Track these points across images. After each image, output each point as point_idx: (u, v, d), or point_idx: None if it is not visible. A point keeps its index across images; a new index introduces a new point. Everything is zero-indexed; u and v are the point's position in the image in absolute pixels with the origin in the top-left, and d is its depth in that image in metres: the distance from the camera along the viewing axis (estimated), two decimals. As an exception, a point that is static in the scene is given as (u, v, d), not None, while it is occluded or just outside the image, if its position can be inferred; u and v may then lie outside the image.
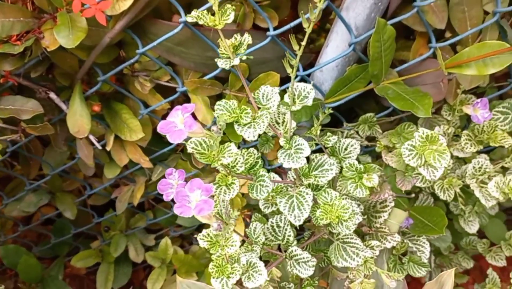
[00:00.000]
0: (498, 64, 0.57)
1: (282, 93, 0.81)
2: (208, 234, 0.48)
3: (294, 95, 0.49)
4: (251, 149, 0.54)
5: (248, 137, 0.48)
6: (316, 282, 0.68)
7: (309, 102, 0.50)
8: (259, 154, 0.54)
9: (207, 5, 0.61)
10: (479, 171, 0.75)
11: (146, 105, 0.85)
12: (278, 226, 0.64)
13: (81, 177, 1.09)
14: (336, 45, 0.75)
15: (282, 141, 0.50)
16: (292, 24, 0.68)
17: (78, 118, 0.76)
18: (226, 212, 0.48)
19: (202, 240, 0.48)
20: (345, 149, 0.68)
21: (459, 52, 0.61)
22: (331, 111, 0.72)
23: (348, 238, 0.64)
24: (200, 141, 0.44)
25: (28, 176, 1.06)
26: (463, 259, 1.19)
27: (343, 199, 0.53)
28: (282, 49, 0.75)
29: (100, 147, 0.82)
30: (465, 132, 0.75)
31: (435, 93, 0.73)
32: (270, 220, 0.64)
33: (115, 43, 0.75)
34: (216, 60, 0.53)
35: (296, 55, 0.45)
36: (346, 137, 0.80)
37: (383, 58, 0.67)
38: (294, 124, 0.51)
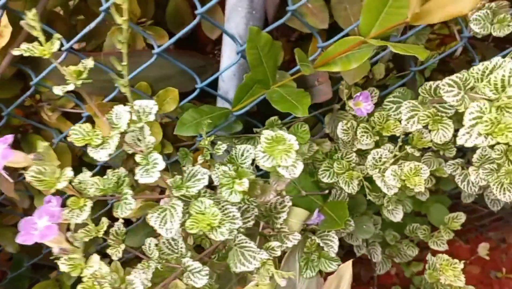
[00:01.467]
0: (359, 57, 0.59)
1: (189, 105, 0.84)
2: (70, 258, 0.49)
3: (138, 112, 0.51)
4: (119, 169, 0.55)
5: (100, 158, 0.49)
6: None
7: (151, 118, 0.51)
8: (126, 173, 0.55)
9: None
10: (380, 161, 0.77)
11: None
12: (174, 239, 0.66)
13: (20, 211, 1.10)
14: (228, 55, 0.77)
15: (138, 158, 0.51)
16: (172, 40, 0.70)
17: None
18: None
19: (63, 264, 0.49)
20: (242, 155, 0.70)
21: (326, 50, 0.63)
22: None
23: (243, 242, 0.66)
24: (40, 169, 0.45)
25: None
26: (408, 247, 1.20)
27: (214, 206, 0.55)
28: (186, 64, 0.77)
29: (11, 180, 0.82)
30: (362, 124, 0.77)
31: (326, 92, 0.75)
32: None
33: (14, 76, 0.77)
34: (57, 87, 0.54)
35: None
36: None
37: (265, 63, 0.69)
38: (152, 139, 0.53)
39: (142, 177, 0.51)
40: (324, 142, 0.80)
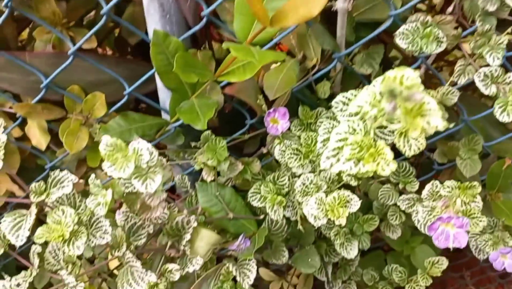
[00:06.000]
0: (252, 68, 0.53)
1: (123, 117, 0.80)
2: None
3: None
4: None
5: None
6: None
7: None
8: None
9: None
10: (309, 188, 0.69)
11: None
12: (59, 249, 0.62)
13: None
14: (155, 62, 0.73)
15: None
16: (82, 41, 0.67)
17: None
18: None
19: None
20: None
21: (225, 59, 0.57)
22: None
23: (131, 261, 0.61)
24: None
25: None
26: (385, 289, 1.08)
27: (73, 217, 0.50)
28: (123, 71, 0.75)
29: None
30: (293, 146, 0.70)
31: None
32: (51, 243, 0.62)
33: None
34: None
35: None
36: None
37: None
38: (3, 138, 0.50)
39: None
40: (253, 161, 0.73)
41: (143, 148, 0.46)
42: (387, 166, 0.41)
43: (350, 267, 1.08)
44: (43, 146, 0.79)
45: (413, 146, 0.49)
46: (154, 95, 0.81)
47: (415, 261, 1.08)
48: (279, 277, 1.20)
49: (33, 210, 0.51)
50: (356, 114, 0.39)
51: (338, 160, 0.42)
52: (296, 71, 0.65)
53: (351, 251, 0.84)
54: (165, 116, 0.83)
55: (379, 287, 1.08)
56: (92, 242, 0.53)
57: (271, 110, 0.63)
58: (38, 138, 0.78)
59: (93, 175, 0.54)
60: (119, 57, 0.85)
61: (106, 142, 0.46)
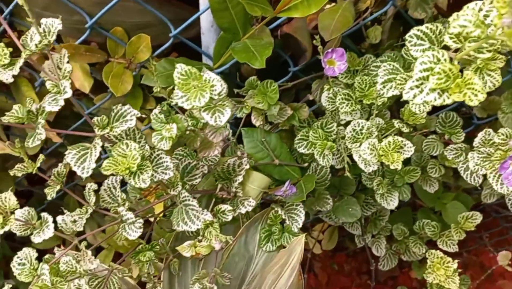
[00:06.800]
0: (319, 1, 0.51)
1: (167, 61, 0.79)
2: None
3: (44, 31, 0.47)
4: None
5: (7, 79, 0.46)
6: (157, 247, 0.64)
7: (54, 38, 0.47)
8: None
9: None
10: (361, 134, 0.68)
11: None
12: (114, 188, 0.62)
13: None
14: (204, 1, 0.71)
15: (48, 84, 0.48)
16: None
17: None
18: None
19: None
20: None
21: (288, -6, 0.55)
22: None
23: (187, 200, 0.61)
24: None
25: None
26: (415, 244, 1.09)
27: (138, 150, 0.50)
28: (165, 14, 0.73)
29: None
30: (344, 91, 0.69)
31: (305, 49, 0.67)
32: (106, 181, 0.62)
33: None
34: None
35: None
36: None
37: (231, 9, 0.62)
38: (69, 67, 0.49)
39: (50, 105, 0.47)
40: (302, 107, 0.72)
41: (214, 78, 0.45)
42: (474, 96, 0.40)
43: (380, 222, 1.08)
44: (86, 89, 0.78)
45: (488, 82, 0.48)
46: (193, 41, 0.80)
47: (447, 217, 1.08)
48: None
49: (98, 142, 0.50)
50: (458, 34, 0.37)
51: (422, 90, 0.41)
52: (352, 12, 0.64)
53: (391, 202, 0.84)
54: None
55: (409, 241, 1.09)
56: (155, 177, 0.53)
57: (329, 50, 0.62)
58: (82, 81, 0.77)
59: (156, 109, 0.53)
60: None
61: (180, 70, 0.45)
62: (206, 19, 0.73)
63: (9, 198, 0.49)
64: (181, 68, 0.45)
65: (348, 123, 0.75)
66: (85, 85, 0.78)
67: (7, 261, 1.36)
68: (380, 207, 0.97)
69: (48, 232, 0.51)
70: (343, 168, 0.74)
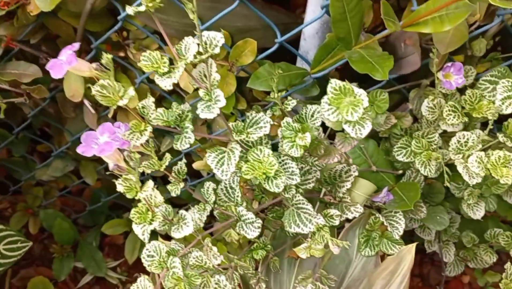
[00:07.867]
0: (454, 18, 0.53)
1: (267, 61, 0.81)
2: (126, 179, 0.50)
3: (206, 43, 0.50)
4: (183, 105, 0.55)
5: (165, 86, 0.49)
6: (269, 246, 0.67)
7: (217, 50, 0.50)
8: (189, 108, 0.55)
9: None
10: (465, 146, 0.69)
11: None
12: (232, 188, 0.65)
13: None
14: (313, 10, 0.73)
15: (201, 92, 0.51)
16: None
17: (72, 82, 0.82)
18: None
19: (120, 184, 0.50)
20: (312, 116, 0.66)
21: (417, 8, 0.57)
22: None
23: (301, 203, 0.63)
24: (104, 84, 0.46)
25: (60, 144, 1.15)
26: (486, 252, 1.09)
27: (272, 156, 0.53)
28: (269, 18, 0.75)
29: (93, 111, 0.87)
30: (450, 102, 0.70)
31: (414, 62, 0.68)
32: (224, 181, 0.65)
33: (105, 10, 0.80)
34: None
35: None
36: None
37: (349, 20, 0.64)
38: (218, 76, 0.51)
39: (203, 112, 0.50)
40: (405, 116, 0.74)
41: (362, 94, 0.48)
42: None
43: (451, 228, 1.09)
44: (190, 89, 0.81)
45: None
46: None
47: (519, 226, 1.08)
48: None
49: (237, 147, 0.53)
50: None
51: None
52: (466, 26, 0.64)
53: (478, 212, 0.85)
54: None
55: (479, 249, 1.09)
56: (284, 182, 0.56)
57: (449, 64, 0.63)
58: (186, 82, 0.80)
59: (287, 118, 0.56)
60: (264, 4, 0.85)
61: (334, 85, 0.47)
62: (312, 26, 0.75)
63: (156, 195, 0.53)
64: (335, 83, 0.47)
65: (443, 132, 0.76)
66: (189, 85, 0.81)
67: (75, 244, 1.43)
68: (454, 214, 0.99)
69: (188, 229, 0.54)
70: (431, 177, 0.75)
